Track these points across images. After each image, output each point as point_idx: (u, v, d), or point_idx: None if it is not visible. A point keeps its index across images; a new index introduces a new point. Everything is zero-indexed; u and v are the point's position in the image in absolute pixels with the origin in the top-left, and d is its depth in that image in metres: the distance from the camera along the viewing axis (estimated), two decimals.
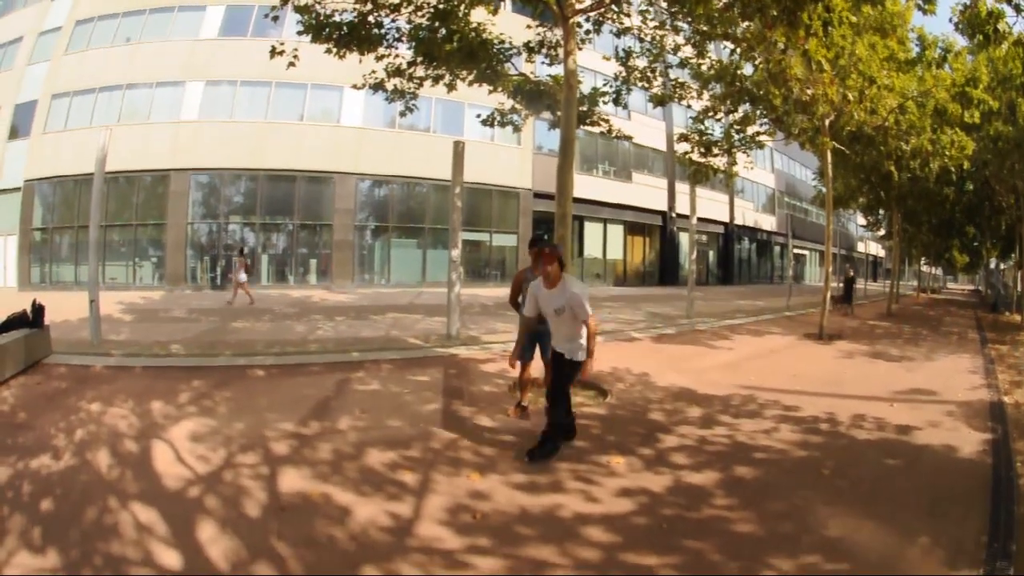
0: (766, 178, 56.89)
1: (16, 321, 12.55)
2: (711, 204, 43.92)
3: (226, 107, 34.62)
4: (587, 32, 14.66)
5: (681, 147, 21.85)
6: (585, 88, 15.99)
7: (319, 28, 13.54)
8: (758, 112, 20.00)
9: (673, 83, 18.20)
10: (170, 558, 5.28)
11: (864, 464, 7.45)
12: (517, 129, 17.33)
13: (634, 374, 11.98)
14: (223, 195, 35.22)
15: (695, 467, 7.12)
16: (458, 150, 15.38)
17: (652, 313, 22.82)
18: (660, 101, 18.12)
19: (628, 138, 18.82)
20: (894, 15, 17.17)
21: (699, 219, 24.51)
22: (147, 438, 8.19)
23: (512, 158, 38.60)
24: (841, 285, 31.08)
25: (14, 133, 37.02)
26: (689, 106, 20.91)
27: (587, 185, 38.58)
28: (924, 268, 68.03)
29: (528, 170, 39.08)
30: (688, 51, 16.65)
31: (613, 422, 8.95)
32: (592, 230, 43.19)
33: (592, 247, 43.83)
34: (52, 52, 36.85)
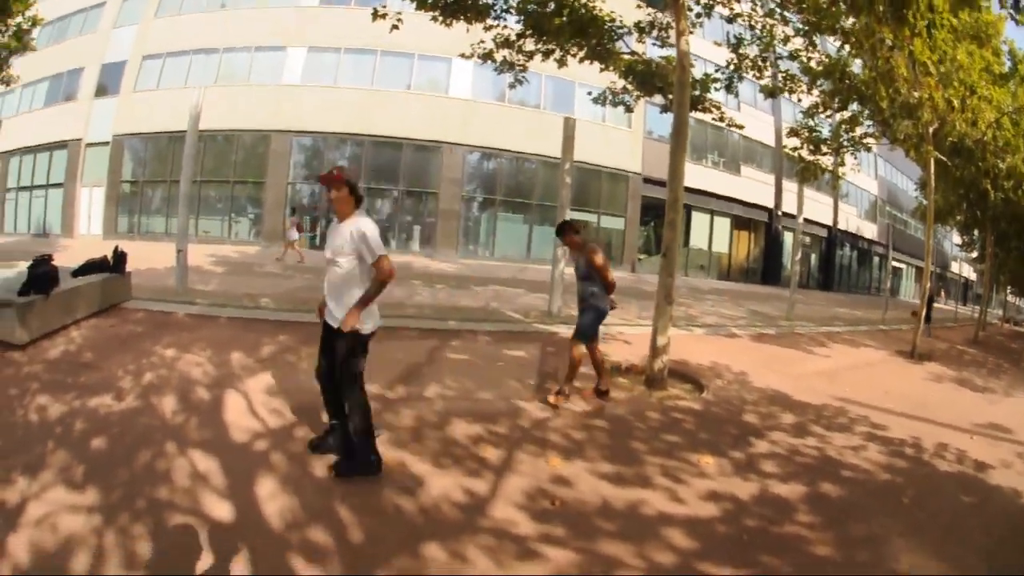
0: (869, 184, 55.00)
1: (95, 266, 12.54)
2: (816, 205, 42.19)
3: (330, 73, 34.71)
4: (697, 15, 14.11)
5: (789, 143, 21.50)
6: (696, 73, 15.18)
7: None
8: (865, 112, 19.20)
9: (783, 75, 17.49)
10: (220, 509, 5.09)
11: (942, 497, 7.00)
12: (629, 109, 16.89)
13: (733, 372, 11.54)
14: (326, 158, 34.69)
15: (783, 478, 6.76)
16: (568, 127, 15.24)
17: (753, 311, 22.37)
18: (770, 93, 17.53)
19: (739, 127, 18.12)
20: (988, 24, 16.62)
21: (804, 220, 23.75)
22: (220, 387, 8.03)
23: (622, 140, 37.60)
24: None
25: (101, 91, 37.90)
26: (799, 100, 20.11)
27: (696, 175, 36.30)
28: (1010, 297, 65.04)
29: (638, 154, 38.04)
30: (798, 43, 16.10)
31: (707, 419, 8.59)
32: (699, 221, 41.94)
33: (698, 238, 42.46)
34: (140, 16, 37.70)
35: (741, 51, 15.52)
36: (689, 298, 23.13)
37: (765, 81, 16.90)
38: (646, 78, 15.37)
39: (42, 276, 10.24)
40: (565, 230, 9.01)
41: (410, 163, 35.10)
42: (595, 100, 17.08)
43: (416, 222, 35.87)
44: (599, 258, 8.47)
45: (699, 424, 8.28)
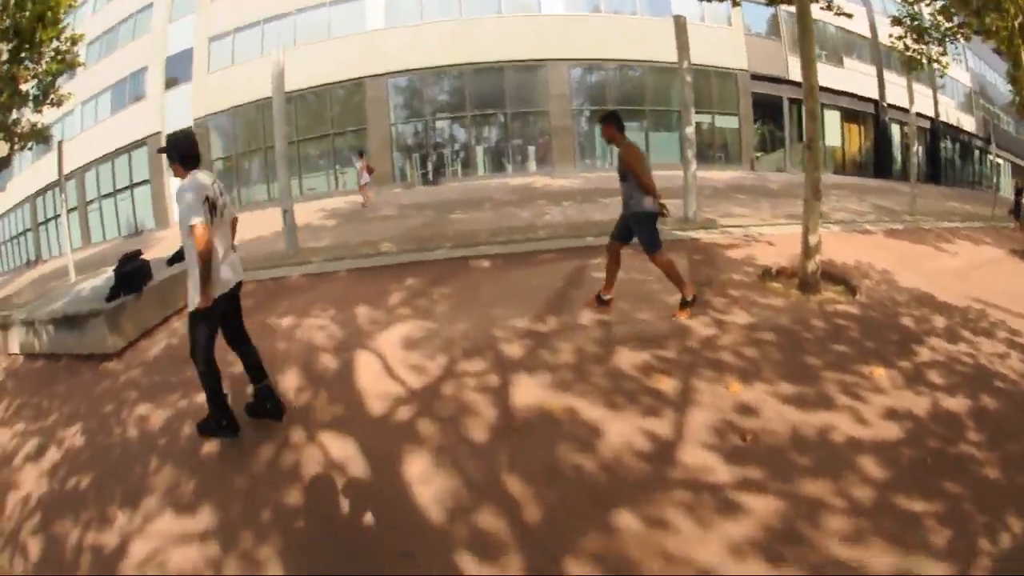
0: (962, 75, 52.40)
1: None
2: (917, 97, 40.39)
3: (414, 11, 33.71)
4: None
5: (893, 32, 20.90)
6: None
7: None
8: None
9: None
10: (368, 502, 4.62)
11: None
12: (736, 3, 15.70)
13: (876, 271, 10.78)
14: (426, 95, 34.31)
15: (948, 390, 6.32)
16: (680, 24, 14.66)
17: (877, 205, 21.24)
18: None
19: (848, 15, 16.97)
20: None
21: (900, 109, 22.60)
22: (349, 350, 7.46)
23: (725, 39, 35.09)
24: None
25: (171, 83, 37.63)
26: None
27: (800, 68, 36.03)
28: None
29: (742, 50, 35.93)
30: None
31: (868, 324, 8.00)
32: None
33: None
34: (195, 5, 37.35)
35: None
36: None
37: None
38: None
39: (130, 274, 9.80)
40: (608, 119, 8.13)
41: (514, 86, 33.84)
42: None
43: (529, 143, 34.76)
44: (634, 157, 7.75)
45: (862, 330, 7.72)
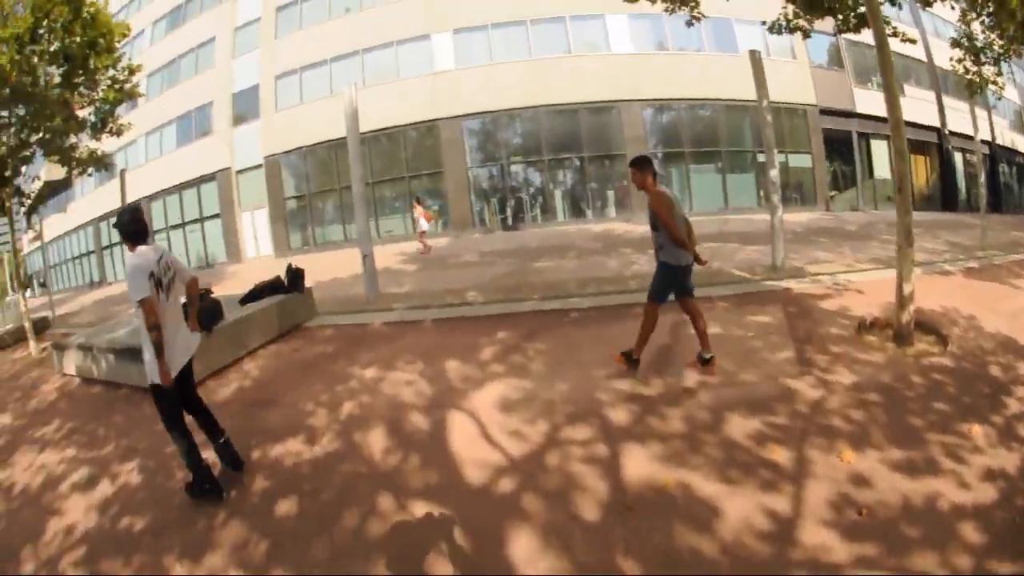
0: (1011, 93, 51.21)
1: (265, 289, 12.17)
2: (965, 119, 39.52)
3: (483, 52, 33.78)
4: None
5: (953, 55, 20.26)
6: None
7: None
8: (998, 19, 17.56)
9: None
10: None
11: None
12: (807, 35, 15.39)
13: (962, 316, 10.05)
14: (500, 137, 33.98)
15: None
16: (755, 59, 14.25)
17: (950, 242, 20.27)
18: (925, 2, 15.79)
19: (911, 40, 16.58)
20: None
21: (960, 135, 22.05)
22: (440, 409, 7.10)
23: (791, 73, 34.25)
24: None
25: (239, 119, 38.56)
26: (953, 7, 18.21)
27: (866, 100, 35.89)
28: None
29: (809, 85, 35.03)
30: None
31: (961, 377, 7.45)
32: (878, 149, 38.23)
33: (880, 168, 38.42)
34: (258, 41, 38.45)
35: None
36: (890, 233, 20.72)
37: None
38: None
39: (200, 313, 9.66)
40: (640, 164, 7.77)
41: (588, 128, 33.33)
42: (770, 29, 15.60)
43: (607, 187, 34.11)
44: (663, 206, 7.41)
45: (957, 385, 7.19)
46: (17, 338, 18.66)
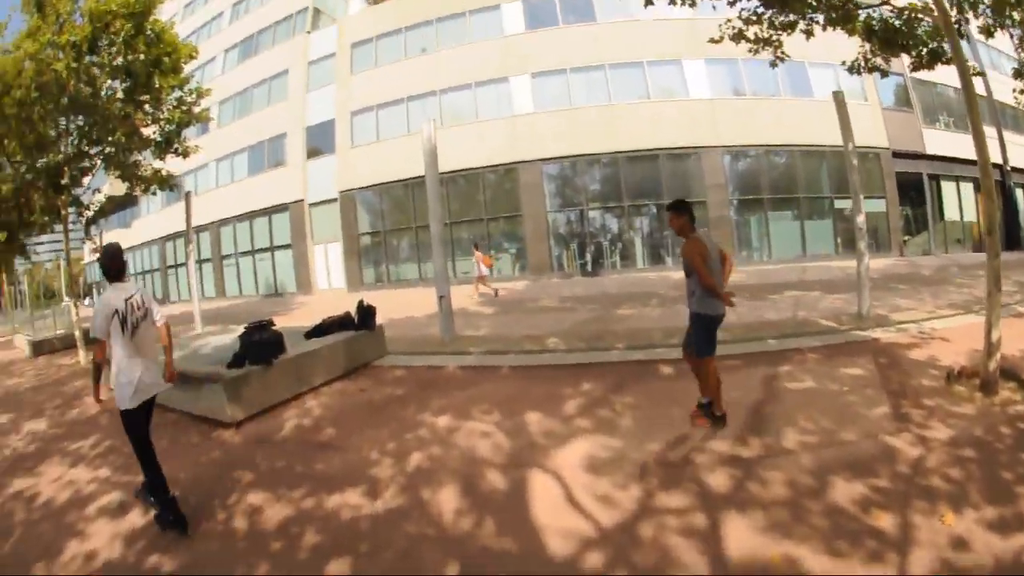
0: None
1: (334, 324, 11.90)
2: (1017, 150, 38.70)
3: (562, 95, 33.80)
4: None
5: (1012, 88, 19.06)
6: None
7: None
8: None
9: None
10: None
11: None
12: (885, 74, 14.89)
13: None
14: (579, 183, 34.06)
15: None
16: (840, 101, 14.08)
17: (1019, 282, 19.27)
18: (988, 32, 15.20)
19: (981, 74, 16.02)
20: None
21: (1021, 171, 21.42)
22: (520, 467, 6.53)
23: (863, 116, 32.80)
24: None
25: (314, 152, 39.43)
26: (1012, 35, 17.59)
27: (935, 140, 35.68)
28: None
29: (881, 128, 34.12)
30: None
31: None
32: (947, 190, 37.67)
33: (950, 210, 38.13)
34: (334, 76, 39.21)
35: None
36: (965, 276, 21.11)
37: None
38: (889, 35, 13.22)
39: (258, 344, 9.52)
40: (679, 209, 7.45)
41: (668, 174, 33.34)
42: (850, 69, 14.72)
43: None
44: (696, 253, 7.13)
45: None
46: (67, 344, 18.93)
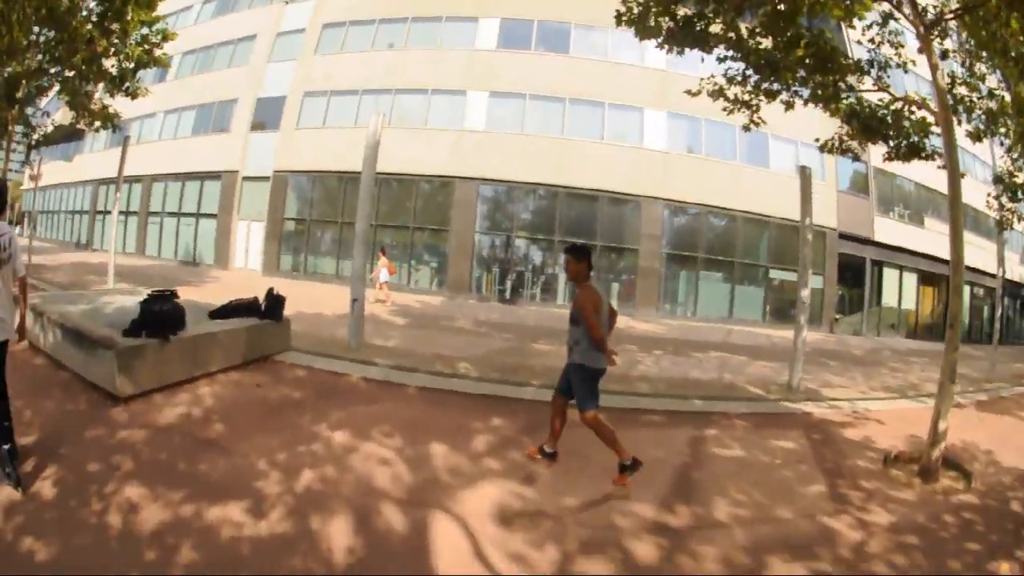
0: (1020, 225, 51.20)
1: (241, 308, 11.15)
2: (979, 253, 37.74)
3: (516, 119, 33.27)
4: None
5: (990, 190, 21.47)
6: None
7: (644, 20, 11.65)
8: None
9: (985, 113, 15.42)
10: None
11: None
12: (857, 158, 14.97)
13: (981, 450, 10.11)
14: (513, 209, 33.61)
15: None
16: (805, 176, 13.98)
17: (959, 374, 19.45)
18: (976, 137, 15.20)
19: (961, 175, 15.98)
20: None
21: (972, 269, 25.22)
22: (421, 507, 5.84)
23: (817, 194, 33.90)
24: None
25: (258, 126, 38.26)
26: (1003, 142, 17.64)
27: (886, 228, 36.71)
28: None
29: (832, 208, 34.64)
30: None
31: (989, 515, 7.31)
32: (889, 277, 39.13)
33: (888, 295, 39.63)
34: (298, 52, 38.26)
35: (954, 91, 13.57)
36: (897, 360, 21.74)
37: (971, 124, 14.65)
38: (872, 123, 13.24)
39: (158, 315, 8.82)
40: (580, 252, 7.32)
41: (606, 217, 32.96)
42: (822, 148, 14.77)
43: (615, 279, 33.37)
44: (584, 301, 7.01)
45: (985, 523, 7.04)
46: None
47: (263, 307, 11.23)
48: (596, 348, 6.86)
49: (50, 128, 22.37)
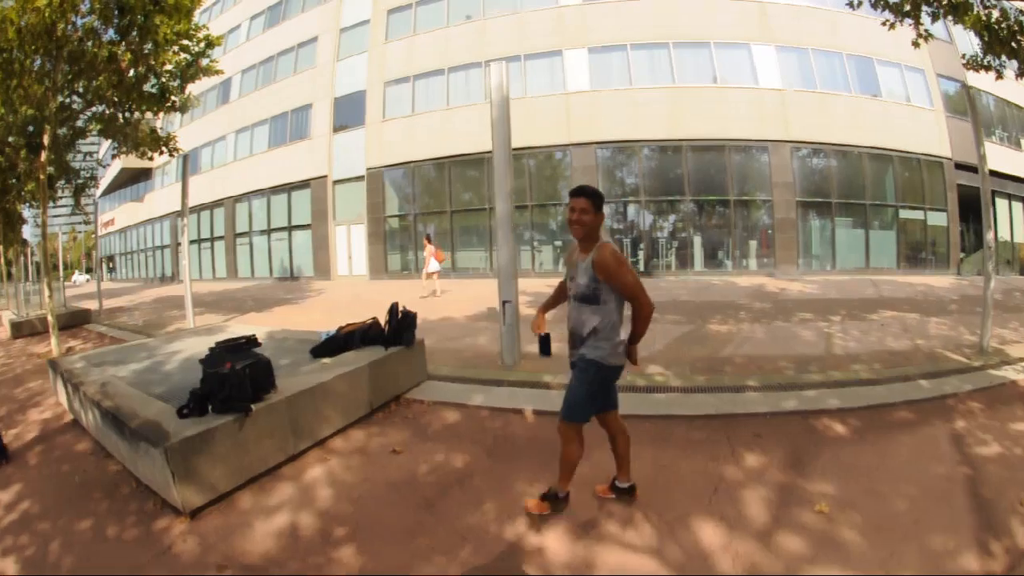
0: None
1: (354, 336, 8.56)
2: None
3: (622, 73, 30.35)
4: None
5: None
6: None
7: None
8: None
9: None
10: None
11: None
12: (1000, 76, 12.90)
13: None
14: (633, 171, 30.48)
15: None
16: (971, 97, 11.63)
17: None
18: None
19: None
20: None
21: None
22: None
23: (928, 122, 31.33)
24: None
25: (341, 126, 36.96)
26: None
27: (989, 154, 31.63)
28: None
29: (945, 136, 31.47)
30: None
31: None
32: (1000, 208, 34.39)
33: (1002, 229, 34.77)
34: (366, 44, 36.64)
35: None
36: None
37: None
38: (1007, 37, 11.84)
39: (229, 380, 5.87)
40: (594, 197, 4.84)
41: (734, 168, 29.94)
42: (968, 64, 12.99)
43: (751, 236, 30.44)
44: (617, 261, 4.67)
45: None
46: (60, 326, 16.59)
47: (387, 330, 8.56)
48: (618, 340, 4.74)
49: (100, 172, 21.15)
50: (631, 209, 30.46)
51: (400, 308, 8.81)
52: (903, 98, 30.23)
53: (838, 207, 29.85)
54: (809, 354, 10.18)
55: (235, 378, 5.84)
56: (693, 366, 9.37)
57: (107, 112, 15.58)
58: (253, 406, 5.81)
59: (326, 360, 7.84)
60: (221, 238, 42.47)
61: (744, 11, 28.88)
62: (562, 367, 8.43)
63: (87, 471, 6.32)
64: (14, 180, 16.90)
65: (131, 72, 14.69)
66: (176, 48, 14.85)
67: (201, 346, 8.54)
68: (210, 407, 5.70)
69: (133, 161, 49.75)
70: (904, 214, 29.68)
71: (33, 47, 12.82)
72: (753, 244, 29.66)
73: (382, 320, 8.79)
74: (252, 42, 42.08)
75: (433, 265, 22.20)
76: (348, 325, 8.78)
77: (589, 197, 4.78)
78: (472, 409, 7.56)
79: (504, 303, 9.75)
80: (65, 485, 6.04)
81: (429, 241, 23.39)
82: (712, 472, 5.53)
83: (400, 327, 8.47)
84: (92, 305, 23.51)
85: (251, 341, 7.35)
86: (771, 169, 29.19)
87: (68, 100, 15.22)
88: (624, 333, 4.78)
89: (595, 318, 4.73)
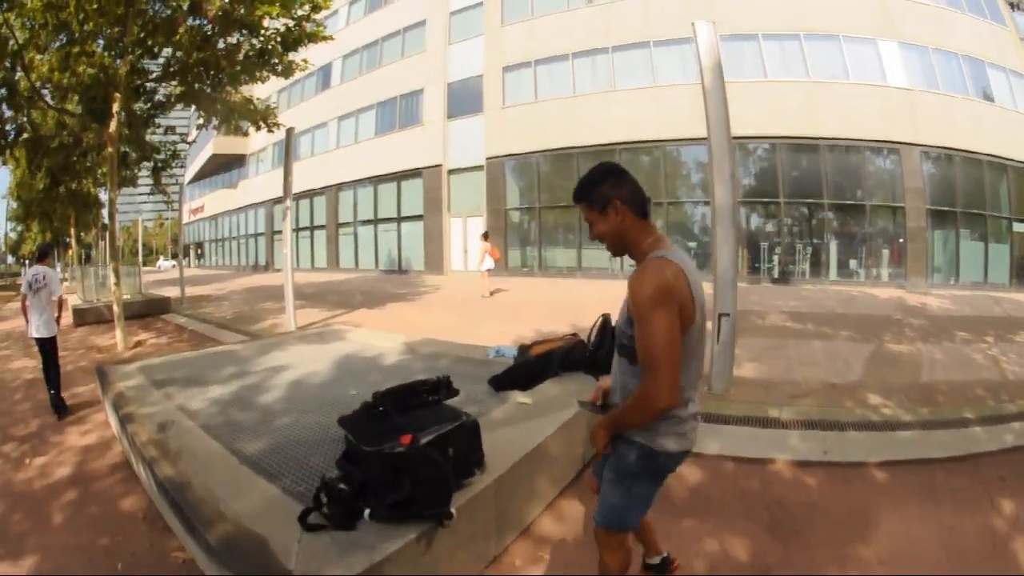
0: None
1: (552, 358, 6.78)
2: None
3: (755, 64, 28.89)
4: None
5: None
6: None
7: None
8: None
9: None
10: None
11: None
12: None
13: None
14: (769, 170, 29.22)
15: None
16: None
17: None
18: None
19: None
20: None
21: None
22: None
23: None
24: None
25: (455, 112, 36.25)
26: None
27: None
28: None
29: None
30: None
31: None
32: None
33: None
34: (480, 28, 35.94)
35: None
36: None
37: None
38: None
39: (412, 469, 3.57)
40: (583, 195, 3.13)
41: (867, 171, 28.62)
42: None
43: (884, 244, 28.74)
44: (650, 295, 2.75)
45: None
46: (127, 314, 15.03)
47: (591, 349, 6.35)
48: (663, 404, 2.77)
49: (184, 148, 20.18)
50: (768, 210, 29.37)
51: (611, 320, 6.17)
52: (1011, 104, 29.09)
53: (963, 217, 28.53)
54: (991, 379, 9.33)
55: (426, 464, 3.60)
56: (907, 395, 8.30)
57: (192, 81, 14.29)
58: (452, 513, 3.59)
59: (522, 398, 6.06)
60: (322, 227, 42.30)
61: (866, 3, 27.91)
62: (781, 394, 7.80)
63: (136, 555, 4.43)
64: (78, 156, 16.47)
65: (217, 28, 13.41)
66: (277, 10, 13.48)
67: (313, 360, 7.76)
68: (366, 511, 3.54)
69: (225, 146, 50.09)
70: (1017, 227, 28.48)
71: (94, 5, 11.42)
72: (885, 253, 28.31)
73: (588, 337, 6.53)
74: (352, 27, 41.82)
75: (488, 262, 21.79)
76: (539, 343, 7.31)
77: (580, 198, 3.17)
78: (712, 460, 5.95)
79: (720, 316, 8.04)
80: (106, 511, 5.05)
81: (486, 238, 22.80)
82: (989, 527, 4.65)
83: (610, 346, 6.41)
84: (174, 292, 22.68)
85: (449, 387, 4.53)
86: (903, 173, 27.72)
87: (141, 64, 14.17)
88: (690, 405, 3.04)
89: (635, 380, 2.96)
